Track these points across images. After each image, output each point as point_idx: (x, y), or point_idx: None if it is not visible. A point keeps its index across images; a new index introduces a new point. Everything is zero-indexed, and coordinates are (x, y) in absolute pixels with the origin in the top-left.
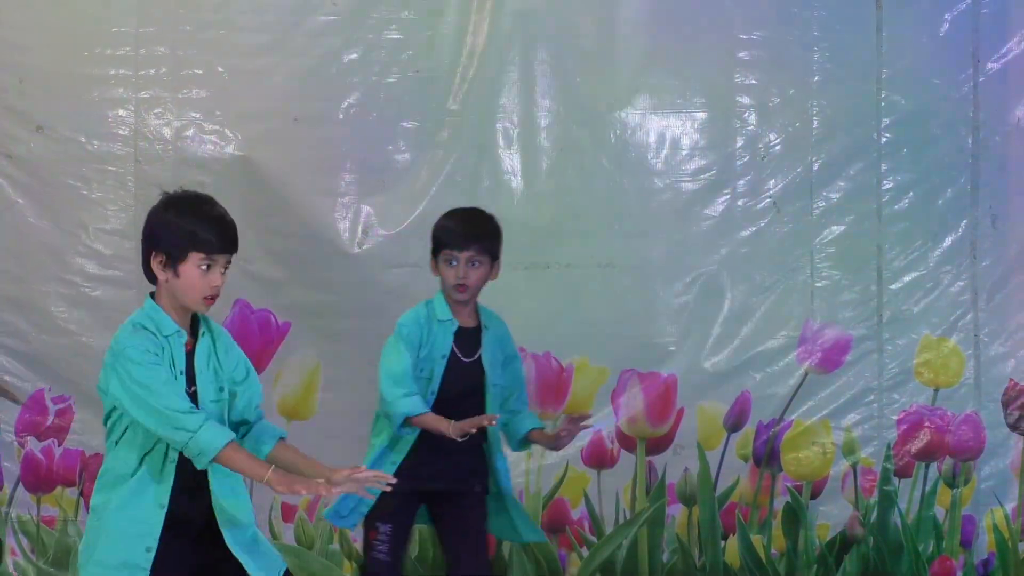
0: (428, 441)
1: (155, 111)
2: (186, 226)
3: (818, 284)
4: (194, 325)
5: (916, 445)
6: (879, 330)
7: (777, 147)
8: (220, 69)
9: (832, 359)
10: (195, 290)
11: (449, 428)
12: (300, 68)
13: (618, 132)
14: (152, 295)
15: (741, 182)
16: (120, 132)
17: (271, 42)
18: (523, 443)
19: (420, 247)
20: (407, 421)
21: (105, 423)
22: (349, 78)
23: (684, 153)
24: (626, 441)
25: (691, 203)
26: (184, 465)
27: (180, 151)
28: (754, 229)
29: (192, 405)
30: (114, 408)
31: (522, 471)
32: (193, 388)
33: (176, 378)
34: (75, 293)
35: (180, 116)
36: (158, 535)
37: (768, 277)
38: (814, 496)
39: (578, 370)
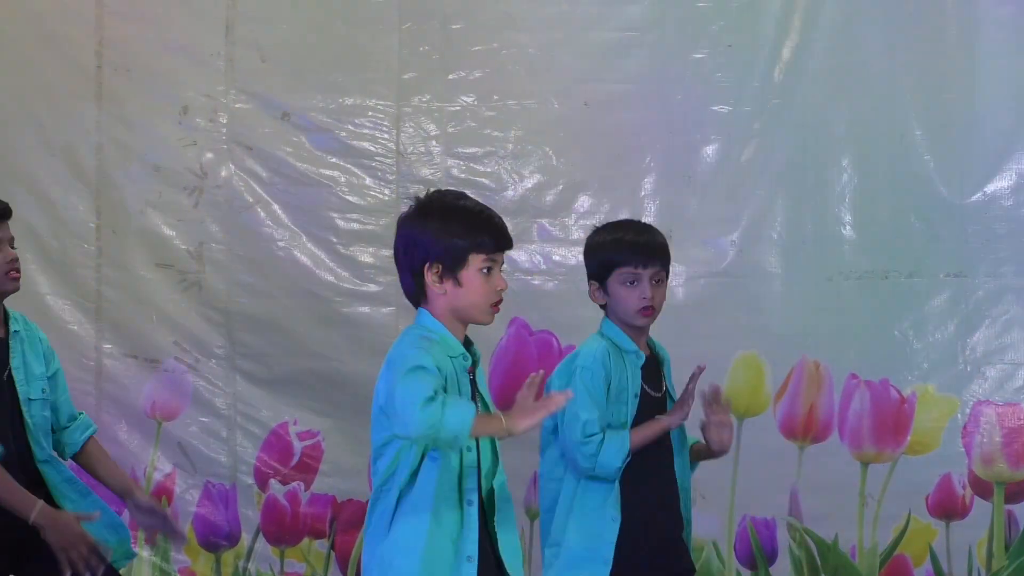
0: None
1: (420, 96)
2: (459, 228)
3: None
4: None
5: None
6: None
7: None
8: (496, 45)
9: None
10: (481, 297)
11: None
12: (591, 43)
13: (949, 119)
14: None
15: None
16: (379, 119)
17: (556, 15)
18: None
19: (733, 254)
20: None
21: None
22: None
23: None
24: (980, 486)
25: None
26: None
27: (449, 142)
28: None
29: None
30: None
31: (853, 521)
32: None
33: None
34: (326, 310)
35: (450, 101)
36: None
37: None
38: None
39: (921, 401)
